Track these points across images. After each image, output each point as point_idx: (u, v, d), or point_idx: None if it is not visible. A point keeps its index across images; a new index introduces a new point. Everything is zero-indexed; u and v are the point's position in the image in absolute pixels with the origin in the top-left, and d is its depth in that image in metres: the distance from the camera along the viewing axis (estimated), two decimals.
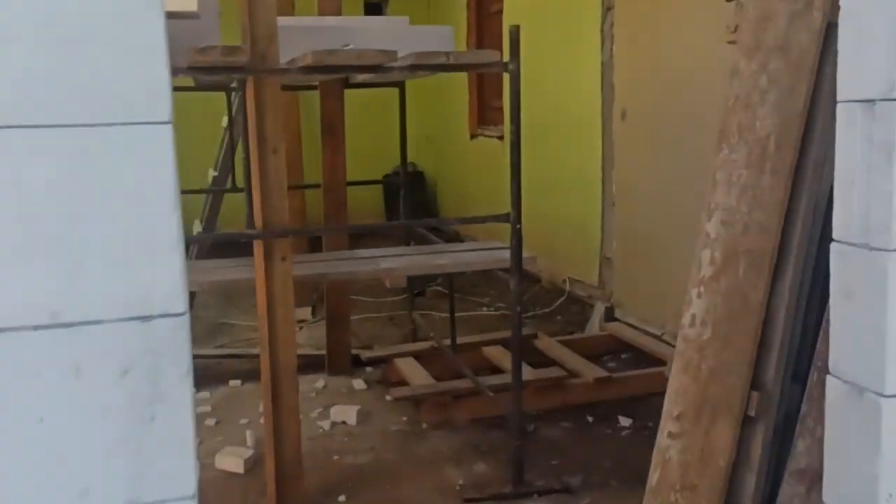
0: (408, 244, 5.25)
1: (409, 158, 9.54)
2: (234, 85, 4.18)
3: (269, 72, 2.80)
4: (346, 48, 2.87)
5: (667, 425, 2.70)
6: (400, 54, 3.07)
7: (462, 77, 8.01)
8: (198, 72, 2.61)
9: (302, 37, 3.26)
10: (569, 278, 5.81)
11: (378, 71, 2.83)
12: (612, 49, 5.08)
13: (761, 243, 2.48)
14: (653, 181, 4.72)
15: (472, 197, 8.04)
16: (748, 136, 2.61)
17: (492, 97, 7.76)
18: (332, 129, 4.57)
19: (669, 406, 2.71)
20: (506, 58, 2.99)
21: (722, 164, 2.72)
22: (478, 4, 7.88)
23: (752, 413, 2.42)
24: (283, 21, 3.76)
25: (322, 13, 4.49)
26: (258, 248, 2.93)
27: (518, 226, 3.09)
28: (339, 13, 4.50)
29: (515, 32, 2.98)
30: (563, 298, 5.77)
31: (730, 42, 3.10)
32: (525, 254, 3.37)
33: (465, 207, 8.35)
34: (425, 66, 2.85)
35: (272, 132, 2.94)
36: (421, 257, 3.52)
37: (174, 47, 2.81)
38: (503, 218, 3.13)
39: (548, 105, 6.03)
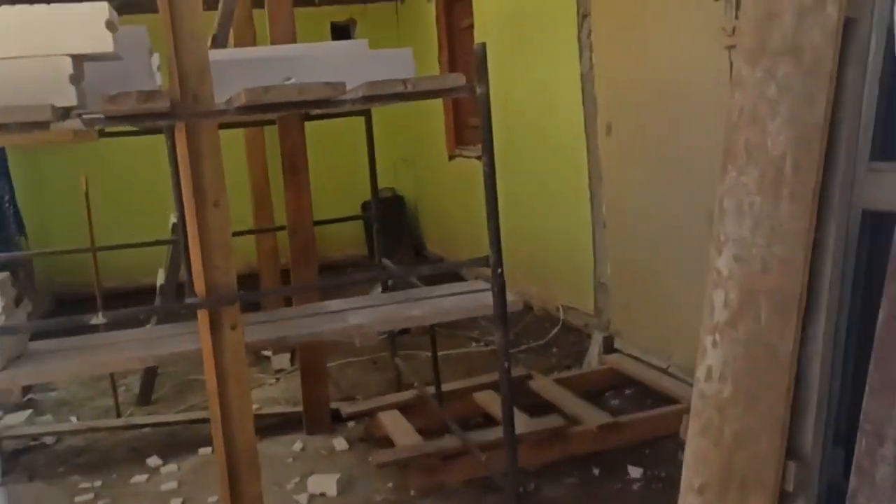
0: (385, 286, 4.89)
1: (388, 183, 9.24)
2: None
3: (201, 115, 2.43)
4: (286, 82, 2.50)
5: (687, 499, 2.31)
6: (353, 83, 2.71)
7: None
8: (116, 121, 2.24)
9: (242, 71, 2.89)
10: (562, 306, 5.43)
11: (326, 106, 2.46)
12: (591, 59, 4.72)
13: (785, 283, 2.11)
14: (645, 199, 4.35)
15: (454, 219, 7.67)
16: (759, 155, 2.24)
17: (469, 115, 7.40)
18: (295, 168, 4.19)
19: (689, 475, 2.32)
20: (473, 79, 2.63)
21: (730, 188, 2.35)
22: (448, 21, 7.54)
23: (789, 488, 2.04)
24: (218, 55, 3.40)
25: (274, 41, 4.12)
26: (203, 318, 2.54)
27: (499, 270, 2.71)
28: (292, 40, 4.14)
29: (482, 52, 2.61)
30: (557, 328, 5.39)
31: (728, 47, 2.76)
32: (511, 296, 3.00)
33: (448, 230, 7.98)
34: (380, 96, 2.48)
35: (212, 182, 2.55)
36: (394, 307, 3.14)
37: (93, 94, 2.31)
38: (482, 262, 2.75)
39: (526, 121, 5.67)
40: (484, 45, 2.62)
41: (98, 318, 2.34)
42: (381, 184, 9.09)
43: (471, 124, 7.37)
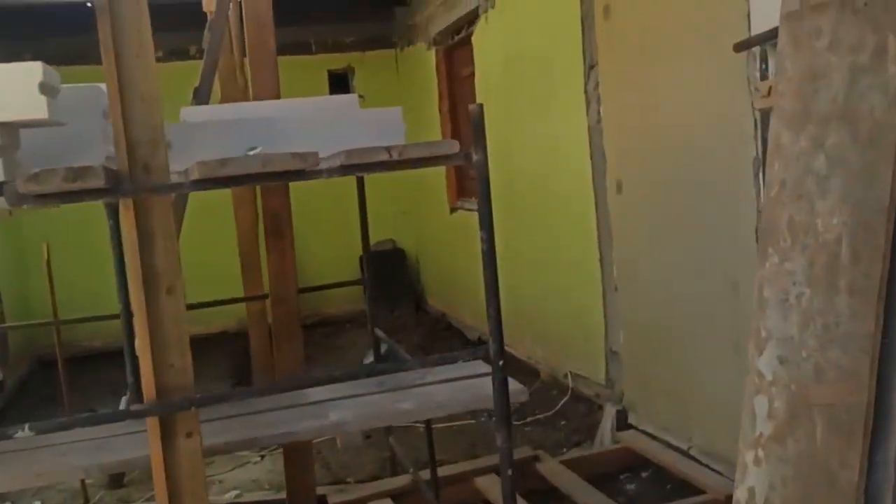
0: (378, 352, 4.53)
1: (387, 234, 8.91)
2: None
3: (150, 190, 2.09)
4: (250, 153, 2.17)
5: None
6: (336, 145, 2.39)
7: None
8: (46, 200, 1.91)
9: (208, 135, 2.56)
10: (570, 373, 5.04)
11: (296, 178, 2.13)
12: (599, 111, 4.40)
13: (846, 396, 1.73)
14: (660, 263, 3.99)
15: (455, 274, 7.32)
16: (807, 238, 1.88)
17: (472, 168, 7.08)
18: (279, 231, 3.84)
19: None
20: (470, 143, 2.30)
21: (771, 275, 1.99)
22: (448, 69, 7.27)
23: None
24: (189, 113, 3.08)
25: (257, 97, 3.81)
26: (152, 426, 2.17)
27: (500, 362, 2.34)
28: (275, 95, 3.82)
29: (478, 114, 2.28)
30: (566, 398, 4.99)
31: (762, 109, 2.42)
32: (514, 385, 2.63)
33: (449, 285, 7.63)
34: (360, 166, 2.15)
35: (166, 266, 2.21)
36: (382, 398, 2.77)
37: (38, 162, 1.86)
38: (481, 352, 2.38)
39: (530, 175, 5.34)
40: (481, 106, 2.29)
41: (24, 431, 1.99)
42: (381, 235, 8.82)
43: (473, 176, 7.03)
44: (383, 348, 5.23)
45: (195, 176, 1.98)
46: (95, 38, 2.16)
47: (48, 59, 2.20)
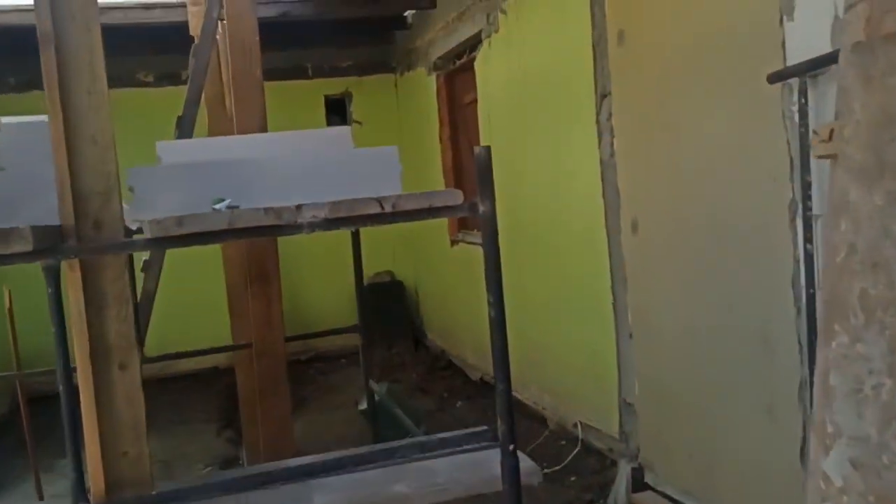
0: (371, 402, 4.20)
1: (386, 266, 8.58)
2: None
3: (96, 250, 1.77)
4: (216, 206, 1.86)
5: None
6: (324, 188, 2.09)
7: (437, 173, 7.07)
8: None
9: (179, 179, 2.25)
10: (580, 423, 4.69)
11: (271, 234, 1.82)
12: (612, 144, 4.09)
13: None
14: (680, 310, 3.66)
15: (456, 309, 6.99)
16: (886, 317, 1.55)
17: (473, 195, 6.76)
18: (265, 276, 3.54)
19: None
20: (473, 188, 1.98)
21: (839, 359, 1.65)
22: (449, 95, 6.98)
23: None
24: (165, 149, 2.78)
25: (241, 130, 3.51)
26: None
27: (511, 446, 2.01)
28: (261, 127, 3.53)
29: (485, 158, 1.97)
30: (576, 450, 4.64)
31: (820, 157, 2.11)
32: (525, 463, 2.30)
33: (450, 321, 7.29)
34: (347, 219, 1.83)
35: (119, 337, 1.88)
36: (375, 476, 2.43)
37: None
38: (487, 436, 2.05)
39: (537, 212, 5.03)
40: (488, 149, 1.98)
41: None
42: (378, 267, 8.50)
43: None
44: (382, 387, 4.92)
45: (148, 235, 1.66)
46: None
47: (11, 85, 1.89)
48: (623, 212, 4.05)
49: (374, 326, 7.36)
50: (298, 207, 1.81)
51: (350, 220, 1.85)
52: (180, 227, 1.65)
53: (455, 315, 7.04)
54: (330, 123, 8.15)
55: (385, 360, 7.47)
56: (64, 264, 1.79)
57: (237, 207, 1.83)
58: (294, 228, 1.86)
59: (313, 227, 1.87)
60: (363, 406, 4.93)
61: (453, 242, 6.94)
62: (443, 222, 7.05)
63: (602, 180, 4.18)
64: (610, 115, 4.09)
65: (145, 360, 4.71)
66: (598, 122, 4.19)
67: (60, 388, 1.72)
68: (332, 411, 6.25)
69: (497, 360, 1.99)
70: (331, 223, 1.85)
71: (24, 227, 1.54)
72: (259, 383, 3.49)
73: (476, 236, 6.33)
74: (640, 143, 3.89)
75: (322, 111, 8.11)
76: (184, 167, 2.23)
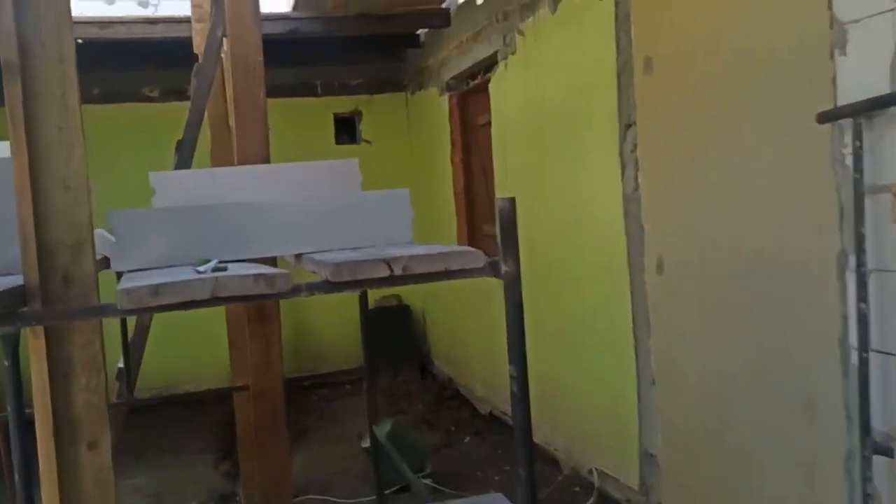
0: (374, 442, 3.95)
1: (394, 290, 8.34)
2: None
3: (63, 316, 1.53)
4: (200, 269, 1.62)
5: None
6: (327, 234, 1.86)
7: (447, 196, 6.84)
8: None
9: (167, 224, 2.01)
10: (596, 470, 4.43)
11: (262, 299, 1.58)
12: (636, 178, 3.85)
13: None
14: (709, 359, 3.41)
15: (465, 336, 6.74)
16: None
17: (483, 222, 6.55)
18: (263, 314, 3.30)
19: None
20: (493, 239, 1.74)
21: None
22: (462, 116, 6.75)
23: None
24: (154, 180, 2.55)
25: (242, 160, 3.28)
26: None
27: None
28: (263, 154, 3.30)
29: (509, 211, 1.72)
30: (591, 500, 4.37)
31: None
32: None
33: (458, 349, 7.04)
34: (352, 283, 1.59)
35: (89, 412, 1.64)
36: None
37: None
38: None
39: (555, 246, 4.77)
40: (513, 201, 1.73)
41: None
42: (386, 290, 8.26)
43: (486, 232, 6.51)
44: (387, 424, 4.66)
45: (122, 306, 1.42)
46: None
47: None
48: (647, 249, 3.80)
49: (380, 352, 7.11)
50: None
51: (354, 283, 1.62)
52: (156, 297, 1.41)
53: (465, 344, 6.79)
54: (339, 142, 7.94)
55: (390, 388, 7.20)
56: (26, 329, 1.56)
57: (225, 270, 1.60)
58: (288, 294, 1.62)
59: (312, 289, 1.63)
60: (366, 444, 4.69)
61: None
62: (453, 243, 6.81)
63: (625, 215, 3.94)
64: (634, 146, 3.85)
65: (136, 402, 4.47)
66: (621, 153, 3.95)
67: (14, 461, 1.48)
68: (334, 443, 5.99)
69: (520, 442, 1.74)
70: (333, 286, 1.62)
71: (28, 264, 1.31)
72: (256, 424, 3.25)
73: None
74: (666, 178, 3.65)
75: (331, 129, 7.90)
76: (171, 211, 2.00)
